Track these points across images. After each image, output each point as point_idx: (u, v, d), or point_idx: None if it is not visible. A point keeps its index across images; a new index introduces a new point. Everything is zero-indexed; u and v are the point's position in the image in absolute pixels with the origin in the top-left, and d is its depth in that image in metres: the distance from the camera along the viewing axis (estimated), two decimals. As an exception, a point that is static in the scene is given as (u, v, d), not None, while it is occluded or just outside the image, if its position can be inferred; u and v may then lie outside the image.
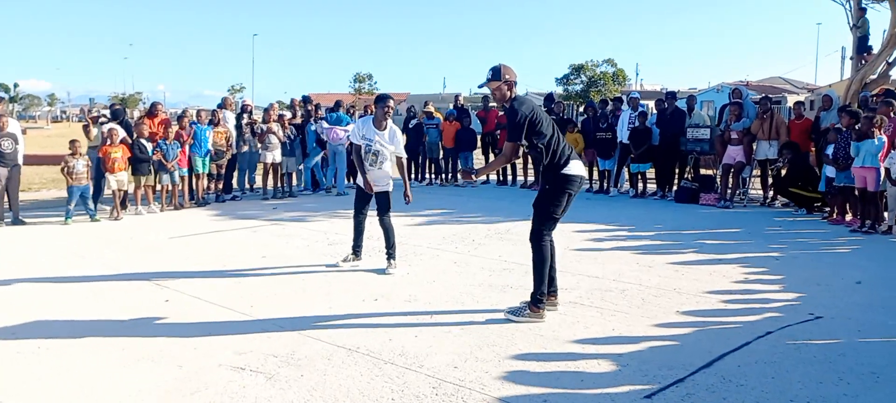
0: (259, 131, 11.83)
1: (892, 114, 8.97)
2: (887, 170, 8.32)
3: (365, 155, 6.42)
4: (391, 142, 6.43)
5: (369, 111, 14.16)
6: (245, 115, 12.18)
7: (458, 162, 14.19)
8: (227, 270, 6.52)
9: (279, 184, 12.15)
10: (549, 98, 14.26)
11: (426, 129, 14.13)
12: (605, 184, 12.83)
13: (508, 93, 4.98)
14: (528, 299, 5.02)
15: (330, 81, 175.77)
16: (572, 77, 49.09)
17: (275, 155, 11.81)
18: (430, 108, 14.55)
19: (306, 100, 13.44)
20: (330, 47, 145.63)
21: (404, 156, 6.72)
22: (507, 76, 4.95)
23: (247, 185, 12.60)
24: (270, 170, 12.04)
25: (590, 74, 48.06)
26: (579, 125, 13.22)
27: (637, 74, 64.48)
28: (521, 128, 4.83)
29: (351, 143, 6.62)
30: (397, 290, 5.80)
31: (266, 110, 12.39)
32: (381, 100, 6.47)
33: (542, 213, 5.01)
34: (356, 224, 6.79)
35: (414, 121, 14.39)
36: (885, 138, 8.55)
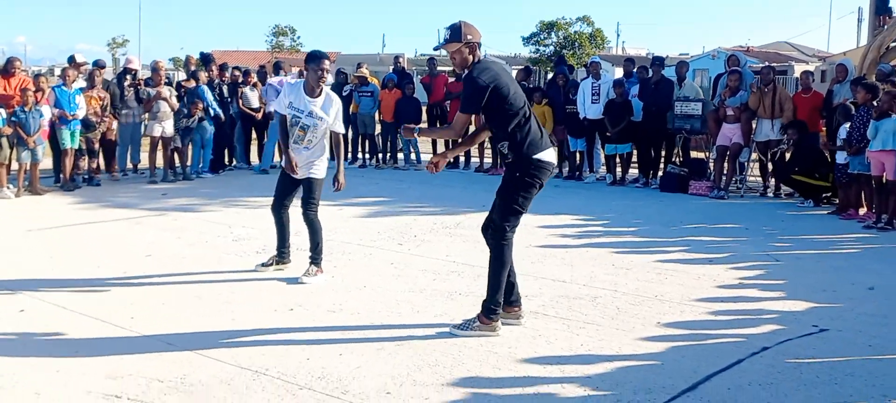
0: (145, 96, 11.56)
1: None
2: (906, 155, 8.66)
3: (291, 128, 6.29)
4: (326, 114, 6.28)
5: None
6: (127, 77, 11.90)
7: (398, 138, 14.18)
8: (100, 273, 6.37)
9: (172, 164, 11.91)
10: (526, 70, 14.31)
11: (359, 98, 14.04)
12: (578, 169, 13.01)
13: (470, 57, 4.95)
14: (480, 309, 5.04)
15: (241, 36, 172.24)
16: (542, 37, 49.59)
17: (165, 127, 11.56)
18: (365, 72, 14.45)
19: (206, 58, 13.18)
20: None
21: (342, 131, 6.60)
22: (469, 36, 4.92)
23: (129, 165, 12.31)
24: (159, 146, 11.77)
25: (563, 34, 48.64)
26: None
27: (618, 35, 65.66)
28: (480, 99, 4.82)
29: (275, 113, 6.44)
30: (319, 298, 5.76)
31: (154, 70, 12.12)
32: (314, 59, 6.27)
33: (507, 206, 5.00)
34: (277, 220, 6.54)
35: (346, 89, 14.28)
36: (905, 117, 8.88)
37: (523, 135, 4.87)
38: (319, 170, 6.37)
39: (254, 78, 13.50)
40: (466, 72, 4.97)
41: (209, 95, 12.04)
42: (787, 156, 11.15)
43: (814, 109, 11.19)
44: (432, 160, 5.43)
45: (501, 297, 5.02)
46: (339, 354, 4.59)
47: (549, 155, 4.98)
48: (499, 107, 4.86)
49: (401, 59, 16.12)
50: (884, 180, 8.97)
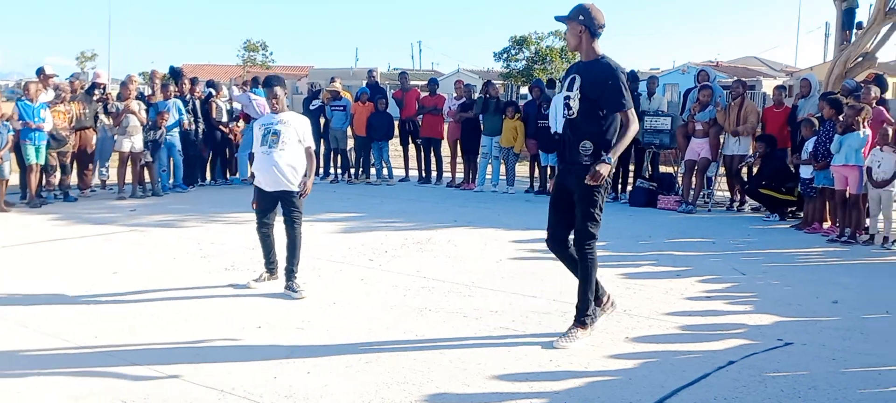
0: (114, 111, 11.44)
1: (874, 104, 9.51)
2: (868, 170, 8.81)
3: (265, 138, 6.31)
4: (291, 123, 6.38)
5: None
6: (96, 91, 11.78)
7: (372, 154, 14.15)
8: (65, 290, 6.28)
9: (142, 180, 11.78)
10: (487, 84, 14.29)
11: (331, 113, 14.01)
12: (549, 183, 13.07)
13: (591, 44, 5.06)
14: (573, 321, 5.20)
15: (213, 50, 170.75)
16: (514, 52, 49.80)
17: (134, 142, 11.44)
18: (337, 86, 14.43)
19: (176, 73, 13.09)
20: (212, 7, 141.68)
21: (313, 146, 6.62)
22: (597, 18, 5.03)
23: (98, 180, 12.17)
24: (129, 161, 11.64)
25: (534, 49, 48.86)
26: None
27: (591, 50, 65.98)
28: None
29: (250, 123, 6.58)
30: (288, 315, 5.72)
31: (123, 84, 12.01)
32: (267, 85, 6.44)
33: (591, 213, 5.06)
34: (261, 237, 6.57)
35: (316, 102, 14.24)
36: (870, 132, 9.04)
37: (612, 140, 5.02)
38: (293, 183, 6.36)
39: (224, 93, 13.43)
40: (604, 62, 5.03)
41: (177, 108, 11.98)
42: (755, 169, 11.30)
43: (785, 124, 11.35)
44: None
45: (594, 302, 5.19)
46: (306, 372, 4.56)
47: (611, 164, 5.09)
48: (612, 108, 5.00)
49: (374, 74, 16.11)
50: (847, 194, 9.12)
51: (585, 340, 5.12)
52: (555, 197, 5.35)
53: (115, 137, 11.51)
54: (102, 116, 11.60)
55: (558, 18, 5.22)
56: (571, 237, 5.24)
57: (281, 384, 4.37)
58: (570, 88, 5.13)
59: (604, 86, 4.98)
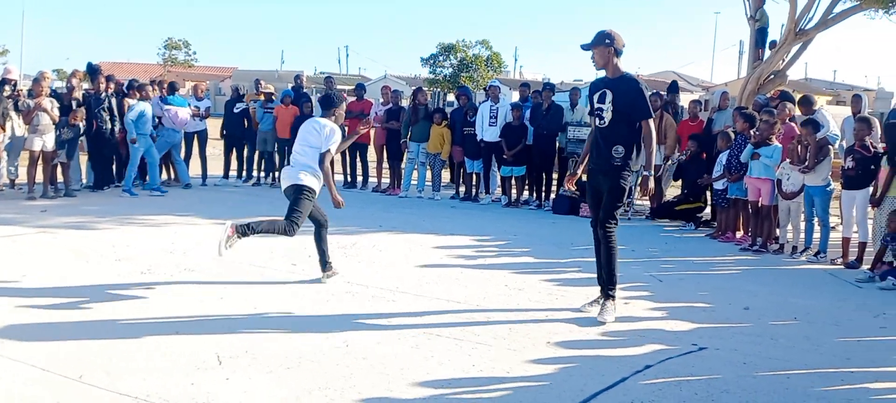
0: (24, 108, 10.98)
1: (786, 120, 9.91)
2: (778, 182, 9.18)
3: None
4: None
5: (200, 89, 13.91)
6: (6, 87, 11.28)
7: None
8: (-30, 294, 5.98)
9: (54, 180, 11.34)
10: (418, 90, 14.31)
11: (262, 115, 13.79)
12: (474, 190, 13.16)
13: (616, 61, 6.01)
14: (605, 295, 6.08)
15: (132, 48, 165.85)
16: (440, 58, 50.01)
17: (46, 140, 11.01)
18: (270, 88, 14.29)
19: (93, 70, 12.65)
20: (132, 2, 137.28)
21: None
22: (619, 41, 5.98)
23: (6, 179, 11.65)
24: (40, 160, 11.18)
25: (461, 56, 49.17)
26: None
27: (516, 60, 66.88)
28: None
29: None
30: (206, 321, 5.60)
31: (36, 81, 11.54)
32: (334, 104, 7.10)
33: (614, 204, 6.02)
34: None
35: (240, 105, 14.00)
36: (780, 146, 9.41)
37: (638, 147, 6.00)
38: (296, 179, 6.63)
39: (147, 92, 13.09)
40: (629, 78, 6.06)
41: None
42: (670, 178, 11.64)
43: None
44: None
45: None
46: (225, 379, 4.47)
47: (636, 166, 6.11)
48: (638, 117, 5.96)
49: (301, 79, 15.96)
50: (759, 205, 9.47)
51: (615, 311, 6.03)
52: (591, 194, 6.32)
53: (26, 135, 11.05)
54: (12, 114, 11.11)
55: (585, 47, 6.05)
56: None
57: (199, 390, 4.27)
58: (601, 101, 6.04)
59: (633, 99, 5.96)
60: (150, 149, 12.12)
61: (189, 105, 13.34)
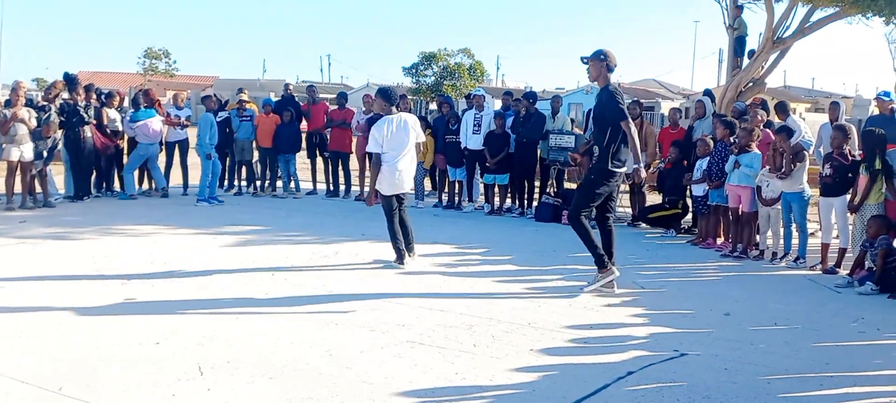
0: (2, 118, 10.88)
1: (760, 124, 10.00)
2: (758, 189, 9.25)
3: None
4: None
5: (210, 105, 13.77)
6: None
7: (278, 166, 13.93)
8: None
9: (32, 190, 11.23)
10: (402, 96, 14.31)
11: (239, 124, 13.74)
12: (457, 198, 13.18)
13: (608, 75, 7.04)
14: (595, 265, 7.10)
15: (112, 57, 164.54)
16: (422, 67, 50.10)
17: (24, 151, 10.91)
18: (245, 96, 14.19)
19: (71, 79, 12.54)
20: (111, 11, 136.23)
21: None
22: (612, 60, 7.01)
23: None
24: (17, 171, 11.07)
25: (443, 65, 49.28)
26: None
27: (498, 69, 67.15)
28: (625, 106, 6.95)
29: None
30: (188, 329, 5.57)
31: (13, 90, 11.43)
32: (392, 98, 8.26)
33: (582, 197, 7.10)
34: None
35: (222, 114, 13.93)
36: (760, 153, 9.49)
37: (614, 149, 6.90)
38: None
39: (121, 100, 13.04)
40: (605, 88, 7.02)
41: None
42: (652, 184, 11.70)
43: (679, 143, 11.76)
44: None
45: (601, 250, 7.02)
46: (207, 389, 4.45)
47: (621, 169, 7.05)
48: (613, 121, 6.86)
49: (290, 88, 15.95)
50: (740, 212, 9.55)
51: (607, 278, 7.09)
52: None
53: (3, 146, 10.94)
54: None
55: (584, 59, 7.05)
56: (606, 215, 7.34)
57: (180, 401, 4.24)
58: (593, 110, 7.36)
59: (606, 104, 6.99)
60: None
61: (165, 114, 13.36)
